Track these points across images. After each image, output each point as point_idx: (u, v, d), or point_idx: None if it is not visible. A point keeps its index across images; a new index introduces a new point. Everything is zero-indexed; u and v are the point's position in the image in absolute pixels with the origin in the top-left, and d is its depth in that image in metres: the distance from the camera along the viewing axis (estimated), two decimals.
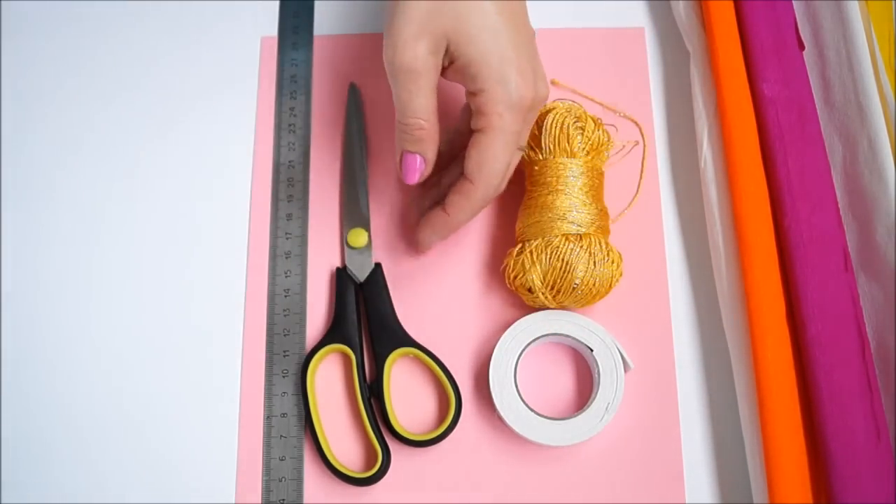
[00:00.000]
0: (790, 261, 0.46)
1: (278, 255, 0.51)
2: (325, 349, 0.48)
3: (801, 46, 0.51)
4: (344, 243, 0.50)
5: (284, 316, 0.49)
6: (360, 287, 0.49)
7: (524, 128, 0.44)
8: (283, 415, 0.47)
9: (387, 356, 0.47)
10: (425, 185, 0.49)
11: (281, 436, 0.47)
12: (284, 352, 0.49)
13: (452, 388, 0.47)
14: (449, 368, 0.48)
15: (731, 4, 0.52)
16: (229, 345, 0.49)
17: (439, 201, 0.47)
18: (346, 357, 0.48)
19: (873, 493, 0.41)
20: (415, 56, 0.41)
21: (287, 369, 0.48)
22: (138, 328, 0.50)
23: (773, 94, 0.49)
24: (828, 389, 0.43)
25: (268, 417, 0.48)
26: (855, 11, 0.50)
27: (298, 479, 0.46)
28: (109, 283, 0.51)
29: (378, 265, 0.49)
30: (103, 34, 0.57)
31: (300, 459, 0.47)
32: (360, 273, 0.49)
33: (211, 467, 0.47)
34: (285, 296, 0.50)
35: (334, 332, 0.48)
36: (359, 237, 0.49)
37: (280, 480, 0.46)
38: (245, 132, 0.54)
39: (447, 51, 0.42)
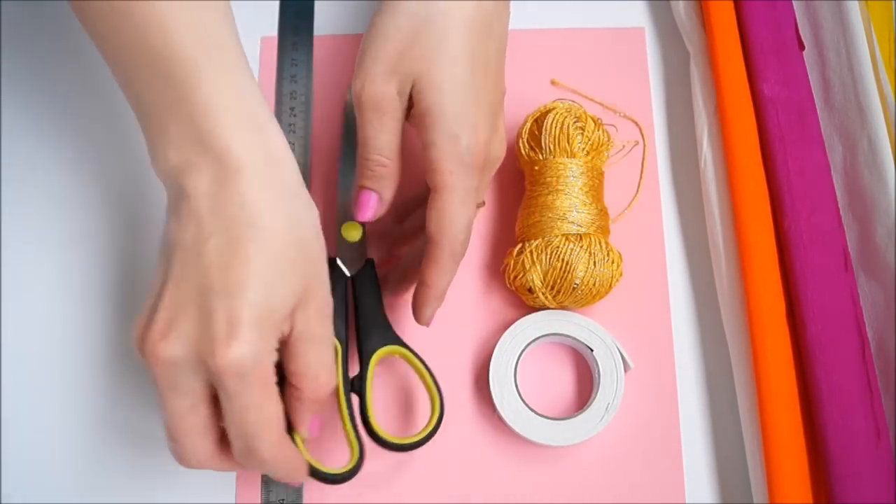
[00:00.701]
0: (790, 261, 0.46)
1: None
2: None
3: (801, 46, 0.51)
4: (338, 236, 0.48)
5: None
6: (351, 281, 0.47)
7: (480, 185, 0.43)
8: None
9: (372, 353, 0.45)
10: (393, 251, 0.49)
11: None
12: None
13: (437, 391, 0.45)
14: (445, 368, 0.47)
15: (731, 4, 0.52)
16: None
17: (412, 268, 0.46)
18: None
19: (873, 493, 0.41)
20: (383, 93, 0.40)
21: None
22: None
23: (773, 94, 0.49)
24: (828, 389, 0.43)
25: None
26: (855, 11, 0.50)
27: None
28: (109, 281, 0.51)
29: (371, 260, 0.47)
30: None
31: None
32: (352, 266, 0.47)
33: None
34: None
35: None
36: (353, 231, 0.47)
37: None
38: None
39: (410, 94, 0.41)
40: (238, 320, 0.34)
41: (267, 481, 0.46)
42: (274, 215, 0.36)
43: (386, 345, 0.46)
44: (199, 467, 0.38)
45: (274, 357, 0.37)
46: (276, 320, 0.36)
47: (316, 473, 0.42)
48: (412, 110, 0.42)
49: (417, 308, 0.45)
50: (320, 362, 0.39)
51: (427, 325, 0.46)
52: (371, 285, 0.47)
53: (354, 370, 0.45)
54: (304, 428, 0.39)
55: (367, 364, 0.45)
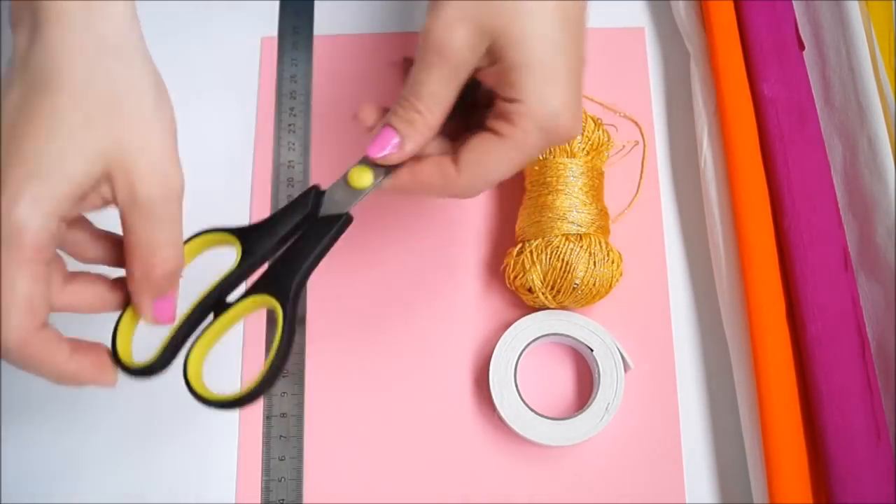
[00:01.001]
0: (790, 261, 0.46)
1: None
2: (215, 235, 0.39)
3: (801, 46, 0.51)
4: (343, 179, 0.39)
5: None
6: (313, 220, 0.39)
7: (540, 153, 0.39)
8: (283, 415, 0.48)
9: (257, 293, 0.38)
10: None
11: (281, 436, 0.47)
12: None
13: (275, 357, 0.36)
14: (445, 369, 0.47)
15: (731, 4, 0.52)
16: (229, 345, 0.49)
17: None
18: (234, 257, 0.39)
19: (873, 493, 0.41)
20: (450, 39, 0.35)
21: (287, 369, 0.48)
22: (138, 327, 0.50)
23: (773, 94, 0.49)
24: (828, 389, 0.43)
25: (268, 417, 0.48)
26: (855, 11, 0.50)
27: (298, 480, 0.46)
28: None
29: (348, 217, 0.39)
30: None
31: (300, 459, 0.47)
32: (327, 207, 0.39)
33: (211, 467, 0.47)
34: None
35: (245, 230, 0.39)
36: (362, 175, 0.39)
37: (280, 480, 0.46)
38: (245, 132, 0.54)
39: (489, 49, 0.36)
40: (4, 181, 0.31)
41: (267, 481, 0.47)
42: (75, 68, 0.33)
43: (276, 298, 0.38)
44: None
45: (48, 228, 0.32)
46: (55, 184, 0.32)
47: (117, 359, 0.37)
48: (492, 67, 0.36)
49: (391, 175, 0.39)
50: (154, 239, 0.35)
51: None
52: (325, 239, 0.39)
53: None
54: (146, 310, 0.36)
55: (243, 299, 0.38)
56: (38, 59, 0.33)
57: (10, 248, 0.31)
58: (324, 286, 0.50)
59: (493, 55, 0.36)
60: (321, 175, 0.53)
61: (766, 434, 0.43)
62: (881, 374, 0.44)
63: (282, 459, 0.47)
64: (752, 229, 0.47)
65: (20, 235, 0.31)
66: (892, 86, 0.49)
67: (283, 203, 0.52)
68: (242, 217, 0.52)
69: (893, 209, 0.45)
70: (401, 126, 0.37)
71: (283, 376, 0.48)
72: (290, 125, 0.54)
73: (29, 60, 0.33)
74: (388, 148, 0.38)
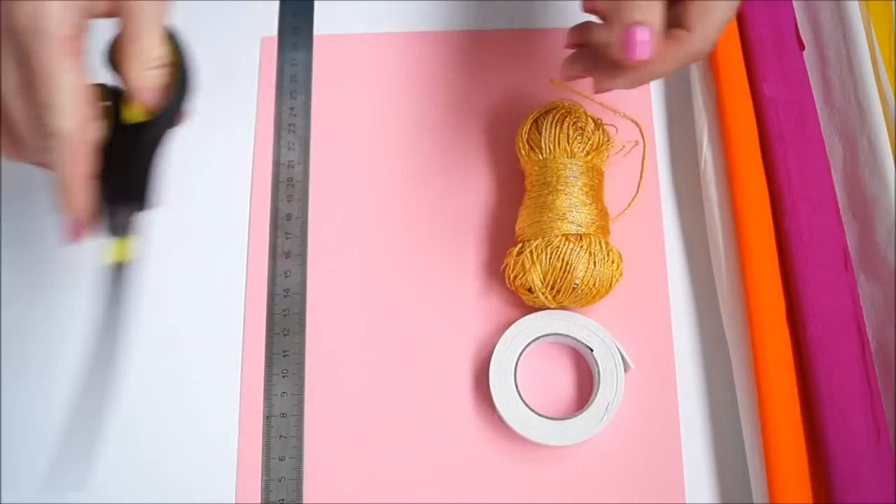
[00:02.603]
0: (790, 261, 0.46)
1: (278, 255, 0.51)
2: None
3: (801, 46, 0.51)
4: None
5: (284, 316, 0.49)
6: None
7: None
8: (283, 415, 0.48)
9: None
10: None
11: (280, 436, 0.47)
12: (284, 352, 0.49)
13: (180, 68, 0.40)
14: (445, 369, 0.47)
15: None
16: (229, 345, 0.49)
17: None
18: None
19: (873, 493, 0.41)
20: None
21: (287, 369, 0.48)
22: (138, 328, 0.50)
23: (773, 94, 0.49)
24: (828, 389, 0.43)
25: (267, 417, 0.48)
26: (855, 11, 0.50)
27: (298, 480, 0.46)
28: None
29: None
30: (104, 33, 0.57)
31: (300, 459, 0.47)
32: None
33: (211, 467, 0.47)
34: (285, 296, 0.50)
35: None
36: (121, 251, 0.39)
37: (280, 480, 0.46)
38: (245, 132, 0.54)
39: None
40: None
41: (267, 481, 0.47)
42: None
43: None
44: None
45: (72, 14, 0.35)
46: None
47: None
48: None
49: (611, 72, 0.39)
50: (144, 21, 0.38)
51: (601, 91, 0.41)
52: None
53: None
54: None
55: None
56: None
57: (47, 40, 0.34)
58: (324, 285, 0.50)
59: None
60: (321, 175, 0.53)
61: (766, 434, 0.43)
62: (881, 374, 0.44)
63: (282, 459, 0.47)
64: (752, 229, 0.47)
65: (49, 25, 0.34)
66: (892, 86, 0.49)
67: (282, 203, 0.52)
68: (242, 217, 0.52)
69: (893, 209, 0.45)
70: (641, 15, 0.36)
71: (283, 376, 0.48)
72: (290, 125, 0.54)
73: None
74: (645, 43, 0.36)
